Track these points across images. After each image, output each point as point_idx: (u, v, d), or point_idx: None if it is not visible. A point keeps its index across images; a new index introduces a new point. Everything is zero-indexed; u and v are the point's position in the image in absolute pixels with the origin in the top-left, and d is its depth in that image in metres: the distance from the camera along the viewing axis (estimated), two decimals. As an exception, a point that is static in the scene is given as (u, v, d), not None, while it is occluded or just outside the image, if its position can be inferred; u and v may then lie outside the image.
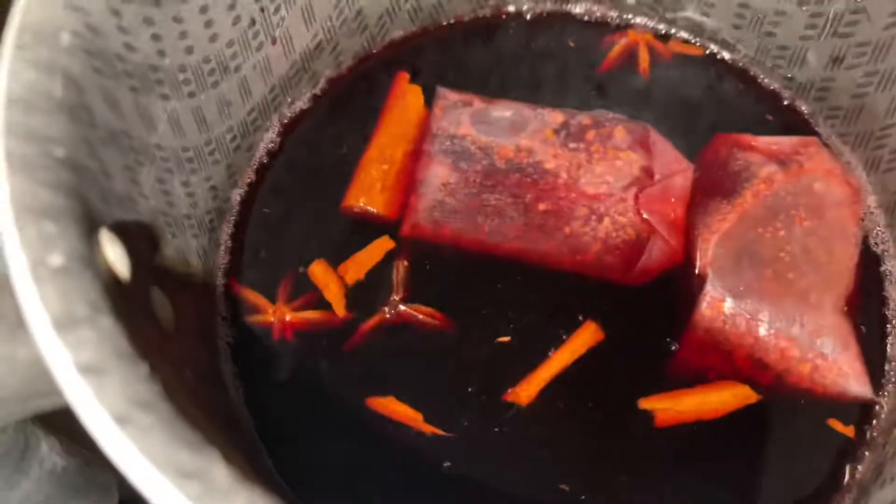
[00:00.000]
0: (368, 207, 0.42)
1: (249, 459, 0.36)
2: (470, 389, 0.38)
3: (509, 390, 0.38)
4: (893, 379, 0.39)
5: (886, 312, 0.40)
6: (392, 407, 0.38)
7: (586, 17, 0.48)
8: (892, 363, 0.39)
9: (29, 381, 0.25)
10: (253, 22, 0.39)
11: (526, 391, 0.38)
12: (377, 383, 0.38)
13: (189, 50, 0.36)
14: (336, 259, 0.41)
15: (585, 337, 0.38)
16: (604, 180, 0.40)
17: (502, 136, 0.42)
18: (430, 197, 0.41)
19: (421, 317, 0.39)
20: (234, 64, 0.39)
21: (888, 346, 0.40)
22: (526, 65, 0.47)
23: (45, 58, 0.26)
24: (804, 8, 0.42)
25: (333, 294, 0.40)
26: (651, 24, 0.47)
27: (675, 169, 0.41)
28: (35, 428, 0.37)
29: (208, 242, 0.40)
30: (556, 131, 0.42)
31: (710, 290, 0.38)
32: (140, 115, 0.33)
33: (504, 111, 0.43)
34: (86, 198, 0.26)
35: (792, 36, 0.44)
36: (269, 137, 0.44)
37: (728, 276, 0.38)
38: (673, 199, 0.41)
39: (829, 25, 0.42)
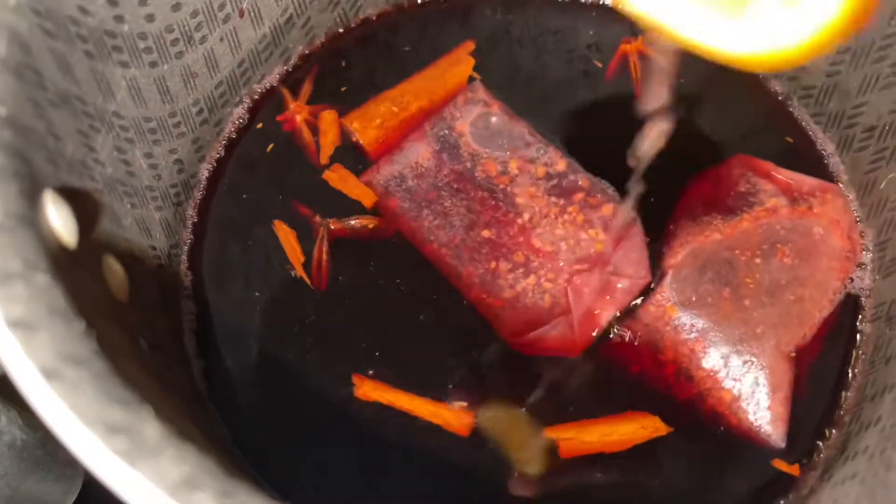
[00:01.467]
0: (357, 134, 0.42)
1: (207, 429, 0.36)
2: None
3: (360, 375, 0.37)
4: (862, 356, 0.39)
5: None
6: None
7: (561, -3, 0.47)
8: (862, 340, 0.39)
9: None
10: (218, -8, 0.39)
11: (366, 391, 0.37)
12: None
13: (150, 18, 0.35)
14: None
15: (452, 417, 0.37)
16: (556, 243, 0.38)
17: (497, 150, 0.41)
18: (397, 167, 0.41)
19: (316, 253, 0.40)
20: (200, 35, 0.39)
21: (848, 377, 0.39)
22: (502, 45, 0.47)
23: (-11, 15, 0.26)
24: (777, -16, 0.42)
25: (328, 141, 0.42)
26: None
27: (630, 273, 0.38)
28: (-7, 400, 0.37)
29: (173, 216, 0.40)
30: (549, 176, 0.40)
31: (664, 290, 0.38)
32: (96, 82, 0.33)
33: (511, 128, 0.41)
34: (29, 158, 0.26)
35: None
36: (238, 112, 0.43)
37: (686, 282, 0.38)
38: (607, 298, 0.38)
39: (802, 2, 0.41)
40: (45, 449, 0.40)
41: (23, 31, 0.27)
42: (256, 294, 0.40)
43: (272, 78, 0.45)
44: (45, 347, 0.21)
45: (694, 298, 0.38)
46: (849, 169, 0.42)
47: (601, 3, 0.47)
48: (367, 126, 0.43)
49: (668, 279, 0.38)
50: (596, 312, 0.38)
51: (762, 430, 0.36)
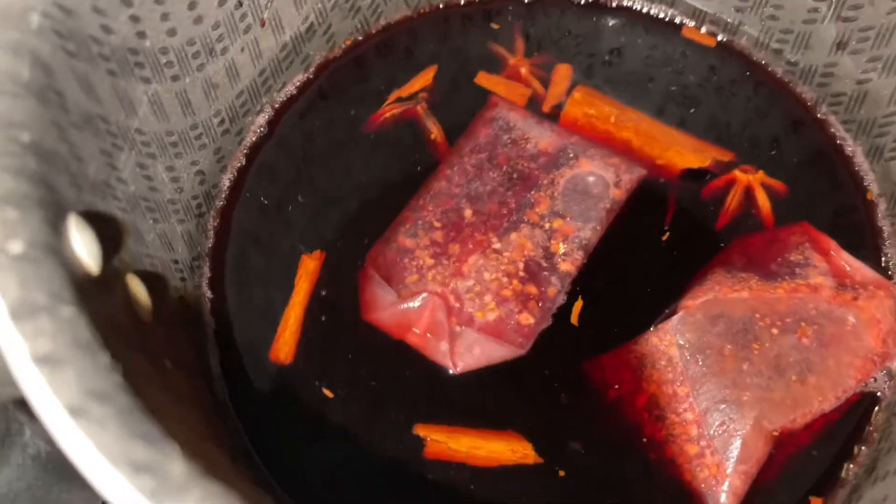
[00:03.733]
0: (569, 99, 0.44)
1: (233, 447, 0.36)
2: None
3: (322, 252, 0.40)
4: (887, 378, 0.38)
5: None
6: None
7: (583, 1, 0.47)
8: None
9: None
10: (240, 3, 0.38)
11: (307, 263, 0.40)
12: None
13: (171, 32, 0.35)
14: (341, 243, 0.41)
15: (284, 343, 0.38)
16: (473, 277, 0.38)
17: (563, 202, 0.40)
18: (519, 123, 0.42)
19: (392, 108, 0.44)
20: (221, 46, 0.38)
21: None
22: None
23: (12, 39, 0.26)
24: (807, -10, 0.41)
25: (555, 92, 0.44)
26: (648, 8, 0.46)
27: (458, 351, 0.38)
28: (18, 413, 0.37)
29: (195, 228, 0.40)
30: (551, 256, 0.39)
31: (669, 327, 0.37)
32: (119, 99, 0.32)
33: (592, 207, 0.40)
34: (53, 184, 0.26)
35: (795, 19, 0.42)
36: (259, 121, 0.43)
37: (693, 327, 0.37)
38: (427, 336, 0.38)
39: (832, 9, 0.41)
40: (68, 459, 0.40)
41: (45, 53, 0.27)
42: (279, 300, 0.40)
43: (293, 86, 0.44)
44: (70, 384, 0.21)
45: (695, 343, 0.37)
46: (879, 179, 0.42)
47: (624, 4, 0.46)
48: (581, 103, 0.44)
49: (676, 318, 0.37)
50: (413, 331, 0.38)
51: (713, 498, 0.35)
